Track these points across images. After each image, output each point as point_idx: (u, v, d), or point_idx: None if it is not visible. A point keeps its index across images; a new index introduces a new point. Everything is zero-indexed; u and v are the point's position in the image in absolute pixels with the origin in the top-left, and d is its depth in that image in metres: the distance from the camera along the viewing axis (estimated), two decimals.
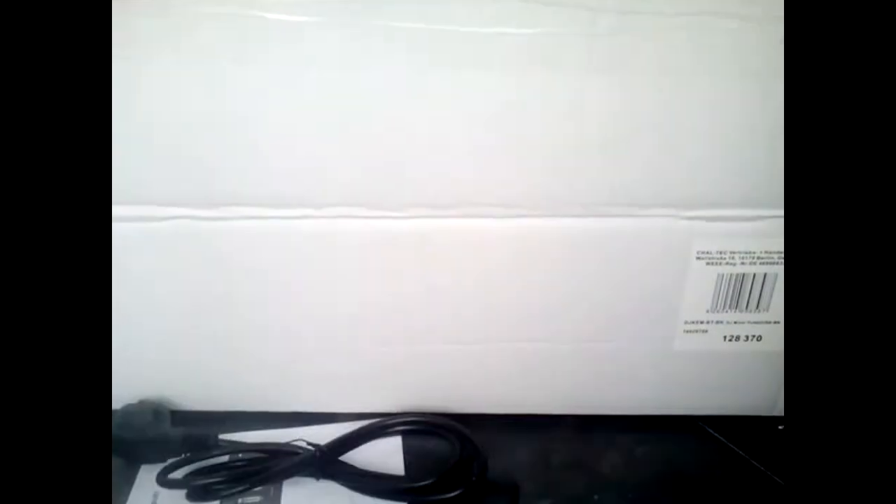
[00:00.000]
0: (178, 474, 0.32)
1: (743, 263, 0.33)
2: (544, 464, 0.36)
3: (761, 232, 0.32)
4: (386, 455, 0.35)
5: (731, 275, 0.33)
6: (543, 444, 0.37)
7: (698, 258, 0.33)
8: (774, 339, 0.35)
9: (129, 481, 0.33)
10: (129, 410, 0.35)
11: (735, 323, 0.35)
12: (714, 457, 0.36)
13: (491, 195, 0.31)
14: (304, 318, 0.35)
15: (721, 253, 0.33)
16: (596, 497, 0.34)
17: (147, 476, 0.33)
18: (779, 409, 0.37)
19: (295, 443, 0.34)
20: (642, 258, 0.33)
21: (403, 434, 0.36)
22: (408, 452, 0.35)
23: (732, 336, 0.35)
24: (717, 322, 0.34)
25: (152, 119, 0.29)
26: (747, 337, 0.35)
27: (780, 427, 0.37)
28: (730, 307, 0.34)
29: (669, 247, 0.33)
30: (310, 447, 0.33)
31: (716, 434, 0.37)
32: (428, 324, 0.35)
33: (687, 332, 0.35)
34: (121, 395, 0.35)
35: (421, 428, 0.36)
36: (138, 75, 0.28)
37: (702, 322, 0.34)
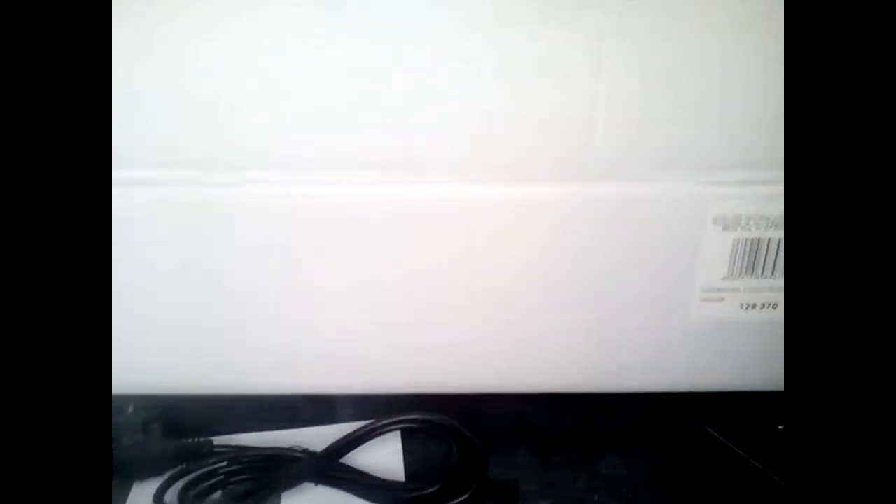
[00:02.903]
0: (173, 493, 0.32)
1: (758, 228, 0.32)
2: (544, 465, 0.36)
3: (778, 196, 0.31)
4: (385, 457, 0.35)
5: (746, 240, 0.32)
6: (543, 449, 0.37)
7: (714, 223, 0.32)
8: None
9: (121, 501, 0.33)
10: (119, 427, 0.35)
11: (751, 290, 0.33)
12: (714, 457, 0.36)
13: (497, 160, 0.31)
14: (308, 290, 0.33)
15: (737, 218, 0.32)
16: (596, 497, 0.34)
17: (140, 493, 0.33)
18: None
19: (292, 447, 0.34)
20: (656, 224, 0.32)
21: (402, 435, 0.36)
22: (408, 453, 0.35)
23: (749, 304, 0.34)
24: (734, 290, 0.33)
25: (155, 78, 0.29)
26: (763, 305, 0.34)
27: (780, 427, 0.37)
28: (746, 273, 0.33)
29: (684, 212, 0.32)
30: (308, 452, 0.33)
31: (716, 434, 0.37)
32: (434, 299, 0.34)
33: (704, 300, 0.34)
34: (119, 378, 0.33)
35: (420, 427, 0.36)
36: (139, 33, 0.28)
37: (718, 290, 0.33)
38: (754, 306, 0.34)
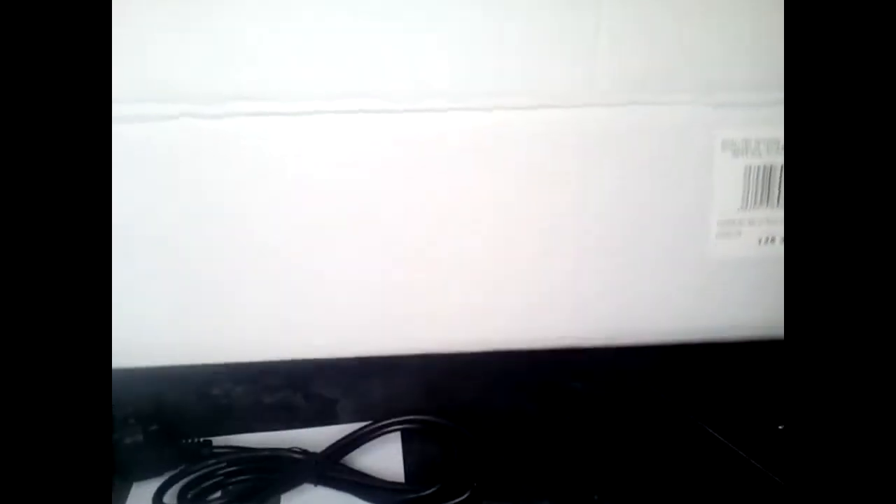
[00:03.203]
0: (172, 494, 0.32)
1: (769, 153, 0.31)
2: (544, 465, 0.35)
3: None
4: (385, 457, 0.35)
5: (758, 166, 0.31)
6: (543, 449, 0.36)
7: (723, 149, 0.30)
8: None
9: (121, 502, 0.33)
10: (119, 427, 0.34)
11: (768, 222, 0.32)
12: (714, 457, 0.36)
13: (499, 87, 0.29)
14: (308, 226, 0.31)
15: (746, 141, 0.30)
16: (596, 497, 0.34)
17: (140, 494, 0.33)
18: None
19: (292, 448, 0.34)
20: (663, 150, 0.30)
21: (402, 435, 0.36)
22: (407, 454, 0.35)
23: (768, 238, 0.32)
24: (750, 223, 0.32)
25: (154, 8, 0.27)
26: (783, 239, 0.32)
27: (780, 427, 0.37)
28: (760, 203, 0.31)
29: (692, 136, 0.30)
30: (308, 453, 0.33)
31: (716, 434, 0.37)
32: (433, 236, 0.32)
33: (720, 235, 0.32)
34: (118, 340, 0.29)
35: (420, 428, 0.36)
36: None
37: (734, 222, 0.32)
38: (773, 240, 0.32)
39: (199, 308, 0.32)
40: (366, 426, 0.35)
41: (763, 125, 0.30)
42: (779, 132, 0.30)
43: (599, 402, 0.40)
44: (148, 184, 0.30)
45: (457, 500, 0.32)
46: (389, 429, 0.35)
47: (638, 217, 0.31)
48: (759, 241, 0.32)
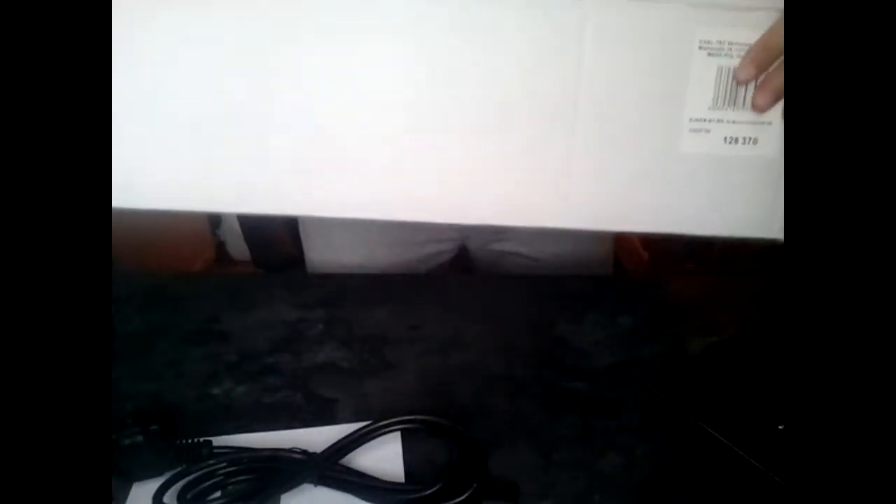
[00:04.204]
0: (172, 494, 0.32)
1: (740, 56, 0.33)
2: (544, 465, 0.36)
3: (761, 24, 0.32)
4: (385, 458, 0.35)
5: (729, 68, 0.33)
6: (543, 449, 0.36)
7: (700, 48, 0.32)
8: (769, 143, 0.34)
9: (121, 502, 0.33)
10: (119, 427, 0.34)
11: (733, 122, 0.34)
12: (714, 457, 0.36)
13: None
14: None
15: (720, 43, 0.32)
16: (596, 497, 0.34)
17: (140, 494, 0.33)
18: (777, 230, 0.36)
19: (292, 448, 0.34)
20: (644, 47, 0.32)
21: (402, 436, 0.36)
22: (407, 454, 0.35)
23: (732, 138, 0.34)
24: (718, 121, 0.34)
25: None
26: (745, 139, 0.34)
27: (780, 427, 0.37)
28: (728, 105, 0.34)
29: (672, 34, 0.32)
30: (308, 453, 0.33)
31: (716, 434, 0.37)
32: (422, 111, 0.33)
33: (692, 130, 0.34)
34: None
35: (420, 428, 0.36)
36: None
37: (704, 120, 0.34)
38: (736, 140, 0.34)
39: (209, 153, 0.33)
40: (366, 426, 0.35)
41: (738, 29, 0.32)
42: (751, 37, 0.32)
43: (599, 402, 0.40)
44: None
45: (457, 500, 0.31)
46: (389, 429, 0.35)
47: (618, 108, 0.33)
48: (725, 141, 0.34)
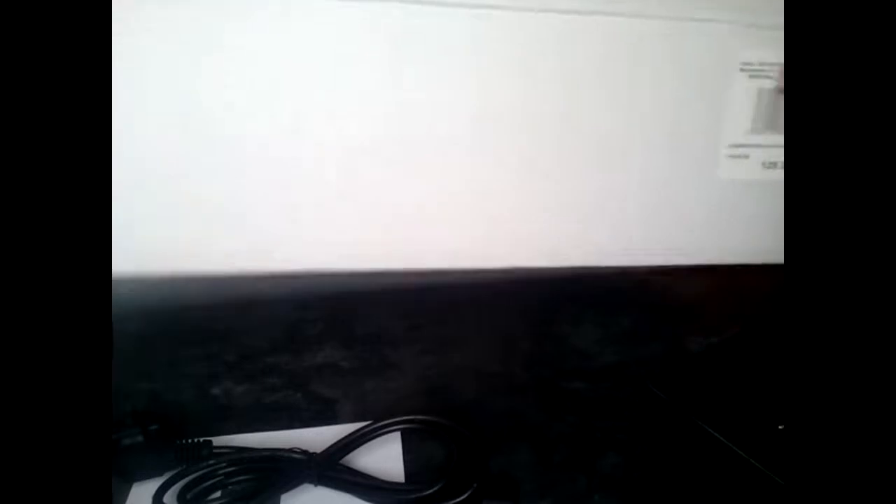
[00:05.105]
0: (172, 494, 0.32)
1: (779, 77, 0.31)
2: (544, 465, 0.35)
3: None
4: (385, 458, 0.35)
5: (770, 90, 0.31)
6: (543, 449, 0.36)
7: (742, 70, 0.31)
8: None
9: (121, 502, 0.33)
10: (119, 427, 0.34)
11: (773, 147, 0.32)
12: (714, 457, 0.36)
13: None
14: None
15: (762, 65, 0.31)
16: (596, 497, 0.34)
17: (139, 494, 0.33)
18: None
19: (292, 448, 0.34)
20: (681, 67, 0.30)
21: (402, 435, 0.36)
22: (407, 454, 0.35)
23: (771, 163, 0.32)
24: (757, 146, 0.32)
25: None
26: (783, 164, 0.32)
27: (780, 427, 0.37)
28: (768, 129, 0.32)
29: (712, 54, 0.30)
30: (307, 453, 0.33)
31: (716, 434, 0.37)
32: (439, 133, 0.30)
33: (730, 157, 0.32)
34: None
35: (420, 428, 0.36)
36: None
37: (743, 146, 0.32)
38: (775, 165, 0.32)
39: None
40: (366, 426, 0.35)
41: (779, 49, 0.30)
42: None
43: (599, 402, 0.40)
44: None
45: (457, 500, 0.31)
46: (389, 429, 0.35)
47: (652, 132, 0.31)
48: (763, 166, 0.32)
